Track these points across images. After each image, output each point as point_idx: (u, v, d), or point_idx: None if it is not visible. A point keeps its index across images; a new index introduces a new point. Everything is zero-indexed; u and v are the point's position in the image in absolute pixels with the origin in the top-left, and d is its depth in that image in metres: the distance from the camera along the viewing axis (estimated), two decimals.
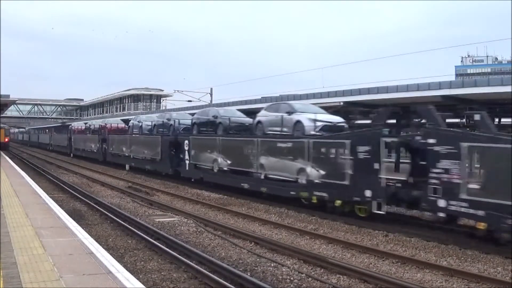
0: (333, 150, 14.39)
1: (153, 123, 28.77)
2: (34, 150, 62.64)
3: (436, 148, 11.24)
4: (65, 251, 6.93)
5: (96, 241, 8.11)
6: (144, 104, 79.59)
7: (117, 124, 37.80)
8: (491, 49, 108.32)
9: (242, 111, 23.17)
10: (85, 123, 47.13)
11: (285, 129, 16.89)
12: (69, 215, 10.38)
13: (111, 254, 7.38)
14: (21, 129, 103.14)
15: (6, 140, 54.21)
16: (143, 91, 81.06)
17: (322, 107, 18.31)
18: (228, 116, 20.81)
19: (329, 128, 15.56)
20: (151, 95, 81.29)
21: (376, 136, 12.64)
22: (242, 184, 18.01)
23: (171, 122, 25.72)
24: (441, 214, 11.24)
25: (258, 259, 9.36)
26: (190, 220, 13.35)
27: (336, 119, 16.41)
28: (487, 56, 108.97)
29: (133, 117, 37.77)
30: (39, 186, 16.08)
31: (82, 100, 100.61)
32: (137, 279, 6.12)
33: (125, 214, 13.81)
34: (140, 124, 30.54)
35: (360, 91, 20.48)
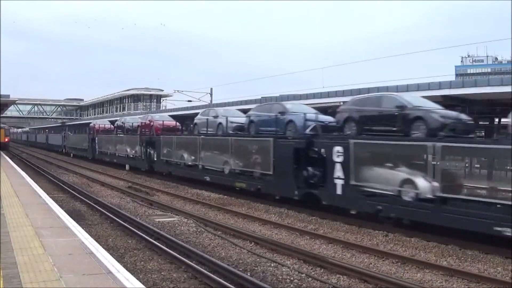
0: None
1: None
2: (42, 152, 55.25)
3: None
4: (65, 251, 6.94)
5: (96, 241, 8.13)
6: (144, 104, 79.74)
7: (168, 121, 28.82)
8: (491, 49, 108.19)
9: (242, 111, 23.19)
10: (110, 121, 40.47)
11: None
12: (69, 215, 10.40)
13: (111, 254, 7.39)
14: (24, 129, 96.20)
15: (6, 140, 54.18)
16: (143, 91, 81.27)
17: (322, 107, 18.27)
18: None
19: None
20: (151, 95, 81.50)
21: None
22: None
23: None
24: None
25: (258, 259, 9.37)
26: (190, 220, 13.35)
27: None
28: (487, 56, 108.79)
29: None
30: (39, 186, 16.10)
31: (82, 100, 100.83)
32: (137, 279, 6.12)
33: (125, 214, 13.80)
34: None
35: (360, 91, 20.42)
